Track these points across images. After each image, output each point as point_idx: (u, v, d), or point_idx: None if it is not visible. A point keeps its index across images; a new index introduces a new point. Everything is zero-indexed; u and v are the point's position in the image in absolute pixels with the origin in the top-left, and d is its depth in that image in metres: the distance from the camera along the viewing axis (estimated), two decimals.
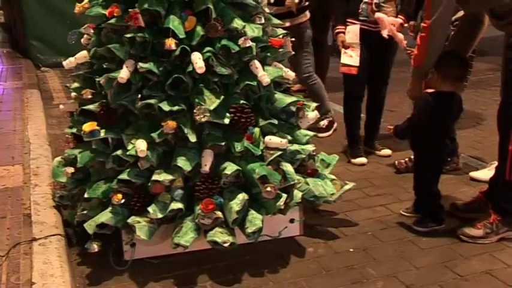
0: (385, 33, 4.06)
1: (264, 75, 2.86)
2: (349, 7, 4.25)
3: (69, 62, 3.11)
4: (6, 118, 5.28)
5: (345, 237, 3.24)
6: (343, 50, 4.26)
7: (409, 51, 3.99)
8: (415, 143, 3.34)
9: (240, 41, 2.83)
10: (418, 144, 3.32)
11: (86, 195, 2.91)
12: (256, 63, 2.89)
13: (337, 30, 4.30)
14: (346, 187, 3.26)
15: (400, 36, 4.01)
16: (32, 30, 8.47)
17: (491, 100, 5.91)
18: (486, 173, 3.77)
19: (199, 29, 2.82)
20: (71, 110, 3.28)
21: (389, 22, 4.04)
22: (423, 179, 3.30)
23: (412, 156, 4.15)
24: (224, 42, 2.83)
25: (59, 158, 3.31)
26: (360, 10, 4.16)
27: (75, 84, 3.19)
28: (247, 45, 2.83)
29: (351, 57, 4.24)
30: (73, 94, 3.23)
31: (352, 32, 4.21)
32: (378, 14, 4.07)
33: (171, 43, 2.73)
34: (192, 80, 2.82)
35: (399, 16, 4.14)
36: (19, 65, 8.20)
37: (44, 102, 6.13)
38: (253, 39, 2.87)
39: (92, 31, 3.05)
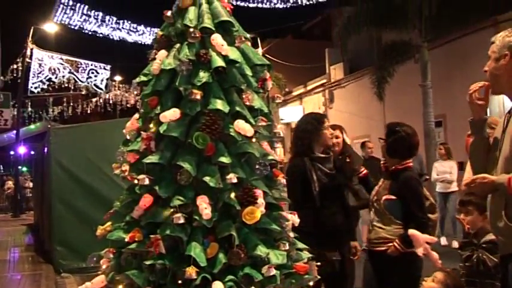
0: (420, 252, 3.81)
1: None
2: None
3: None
4: None
5: None
6: None
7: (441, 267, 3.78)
8: None
9: (264, 270, 2.71)
10: None
11: None
12: None
13: None
14: None
15: (435, 255, 3.79)
16: (58, 234, 8.50)
17: None
18: None
19: (221, 256, 2.73)
20: None
21: (424, 240, 3.84)
22: None
23: None
24: (247, 270, 2.72)
25: None
26: None
27: None
28: (271, 274, 2.71)
29: None
30: None
31: None
32: (411, 231, 3.87)
33: (191, 272, 2.63)
34: None
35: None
36: (39, 271, 8.10)
37: None
38: (277, 267, 2.75)
39: (112, 255, 2.98)
